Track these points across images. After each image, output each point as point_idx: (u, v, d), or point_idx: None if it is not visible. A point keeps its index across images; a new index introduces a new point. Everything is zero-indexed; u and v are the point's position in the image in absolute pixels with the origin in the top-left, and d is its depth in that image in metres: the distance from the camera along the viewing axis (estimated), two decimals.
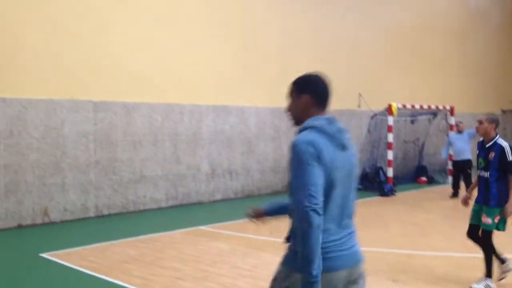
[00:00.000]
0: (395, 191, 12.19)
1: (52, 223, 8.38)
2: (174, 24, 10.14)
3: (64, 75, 8.61)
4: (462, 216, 9.73)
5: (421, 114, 14.88)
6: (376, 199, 11.61)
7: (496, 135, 5.37)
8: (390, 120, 12.64)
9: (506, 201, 5.15)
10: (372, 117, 13.51)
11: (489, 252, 5.34)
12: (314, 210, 2.12)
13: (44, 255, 6.50)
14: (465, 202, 5.66)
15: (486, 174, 5.29)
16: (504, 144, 5.28)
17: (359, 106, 14.41)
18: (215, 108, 10.94)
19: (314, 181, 2.15)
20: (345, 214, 2.35)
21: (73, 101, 8.71)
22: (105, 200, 9.13)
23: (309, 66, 13.83)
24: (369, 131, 13.57)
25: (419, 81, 16.61)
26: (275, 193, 12.25)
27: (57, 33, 8.48)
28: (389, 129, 12.62)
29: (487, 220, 5.24)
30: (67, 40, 8.62)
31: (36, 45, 8.25)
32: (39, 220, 8.32)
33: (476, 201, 5.41)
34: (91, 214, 8.93)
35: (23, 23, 8.11)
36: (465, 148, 11.28)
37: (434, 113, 15.01)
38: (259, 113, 11.87)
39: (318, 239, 2.14)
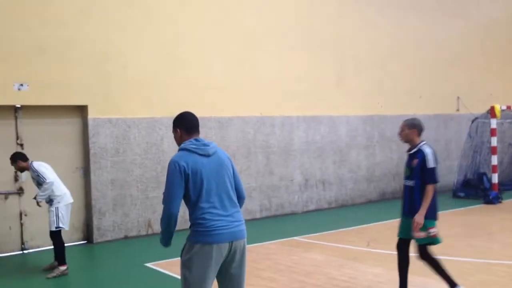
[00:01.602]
0: (501, 199, 11.37)
1: (155, 234, 8.87)
2: (265, 41, 10.36)
3: (165, 95, 9.11)
4: None
5: None
6: (480, 207, 10.91)
7: (421, 142, 4.95)
8: (493, 123, 11.85)
9: (433, 212, 4.79)
10: (473, 121, 12.77)
11: (436, 265, 4.90)
12: (170, 213, 3.29)
13: (148, 264, 6.91)
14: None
15: (411, 183, 4.89)
16: (427, 151, 4.86)
17: (457, 109, 13.71)
18: (305, 119, 10.98)
19: (174, 192, 3.28)
20: (224, 199, 3.38)
21: (172, 118, 9.17)
22: None
23: (403, 71, 13.58)
24: (470, 135, 12.82)
25: None
26: (369, 202, 11.97)
27: (159, 57, 9.03)
28: (493, 132, 11.84)
29: (419, 234, 4.79)
30: (168, 64, 9.14)
31: (137, 69, 8.84)
32: (143, 232, 8.85)
33: (403, 213, 4.98)
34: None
35: (126, 50, 8.73)
36: None
37: None
38: (349, 122, 11.72)
39: (166, 229, 3.36)
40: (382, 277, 5.94)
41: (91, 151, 8.40)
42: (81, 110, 8.54)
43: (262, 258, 7.06)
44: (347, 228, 8.98)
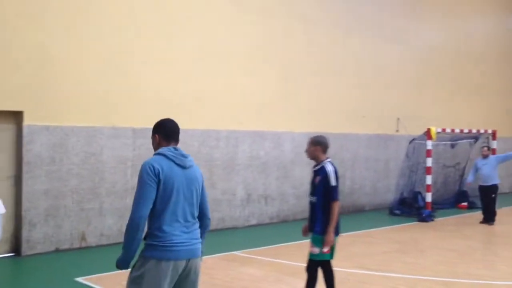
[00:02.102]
0: (434, 217, 11.85)
1: (89, 248, 8.58)
2: (211, 56, 10.37)
3: (106, 104, 8.92)
4: (504, 242, 9.39)
5: (462, 138, 14.52)
6: (414, 225, 11.31)
7: (325, 159, 5.08)
8: (429, 144, 12.38)
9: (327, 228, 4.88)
10: (410, 142, 13.28)
11: (311, 284, 5.03)
12: (140, 215, 3.08)
13: (79, 279, 6.65)
14: (304, 232, 5.28)
15: (313, 199, 5.04)
16: (329, 168, 5.00)
17: (397, 130, 14.23)
18: (250, 134, 11.04)
19: (146, 194, 3.11)
20: (188, 214, 3.25)
21: (114, 128, 8.99)
22: None
23: (347, 91, 14.01)
24: (407, 155, 13.32)
25: (459, 105, 16.27)
26: None
27: (101, 66, 8.82)
28: (428, 153, 12.35)
29: (314, 249, 4.96)
30: (111, 73, 8.96)
31: (80, 76, 8.60)
32: (76, 245, 8.53)
33: (308, 229, 5.17)
34: None
35: (69, 56, 8.49)
36: (491, 173, 11.23)
37: (476, 137, 14.60)
38: (295, 138, 11.89)
39: (134, 237, 3.11)
40: None
41: (24, 159, 8.04)
42: (16, 116, 8.18)
43: None
44: (287, 243, 9.04)
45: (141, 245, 3.22)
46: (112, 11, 9.01)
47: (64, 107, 8.48)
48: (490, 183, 11.22)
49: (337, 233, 5.03)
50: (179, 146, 3.43)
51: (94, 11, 8.80)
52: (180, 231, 3.18)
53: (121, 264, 3.21)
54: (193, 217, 3.31)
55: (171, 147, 3.31)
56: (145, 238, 3.21)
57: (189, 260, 3.20)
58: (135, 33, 9.31)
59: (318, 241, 4.93)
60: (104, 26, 8.90)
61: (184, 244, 3.17)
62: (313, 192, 5.05)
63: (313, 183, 5.08)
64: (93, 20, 8.79)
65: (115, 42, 9.03)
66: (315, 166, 5.12)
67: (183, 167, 3.26)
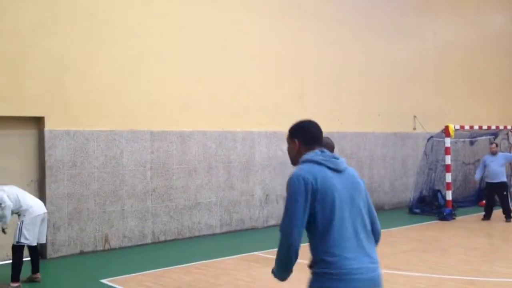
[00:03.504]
0: (455, 215, 11.73)
1: (112, 250, 8.68)
2: (226, 58, 10.43)
3: (125, 108, 9.03)
4: None
5: (481, 135, 14.35)
6: (435, 224, 11.22)
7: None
8: (448, 141, 12.28)
9: None
10: (428, 139, 13.18)
11: None
12: (290, 244, 2.54)
13: (104, 281, 6.74)
14: None
15: None
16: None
17: (414, 128, 14.13)
18: (267, 134, 11.07)
19: (297, 216, 2.52)
20: (359, 229, 2.59)
21: (132, 131, 9.10)
22: (161, 226, 9.37)
23: (362, 90, 13.97)
24: (425, 153, 13.22)
25: (477, 102, 16.07)
26: None
27: (118, 71, 8.95)
28: (447, 151, 12.25)
29: None
30: (129, 77, 9.08)
31: (98, 82, 8.73)
32: (100, 247, 8.64)
33: None
34: (148, 240, 9.19)
35: (87, 62, 8.62)
36: (499, 170, 11.21)
37: (495, 134, 14.42)
38: None
39: (289, 263, 2.59)
40: None
41: (47, 164, 8.18)
42: (38, 122, 8.33)
43: (221, 273, 7.02)
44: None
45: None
46: (126, 17, 9.12)
47: (84, 112, 8.61)
48: (497, 180, 11.17)
49: None
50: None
51: (110, 18, 8.92)
52: (354, 253, 2.52)
53: (276, 275, 2.77)
54: (366, 232, 2.62)
55: (317, 151, 2.71)
56: (310, 266, 2.63)
57: None
58: (150, 38, 9.40)
59: None
60: (120, 32, 9.01)
61: (362, 270, 2.51)
62: None
63: None
64: (110, 26, 8.90)
65: (131, 47, 9.13)
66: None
67: (338, 170, 2.64)
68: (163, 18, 9.59)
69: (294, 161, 2.81)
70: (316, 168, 2.60)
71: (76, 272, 7.46)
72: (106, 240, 8.71)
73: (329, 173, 2.60)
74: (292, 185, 2.56)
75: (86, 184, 8.53)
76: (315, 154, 2.68)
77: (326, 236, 2.53)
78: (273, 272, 2.74)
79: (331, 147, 4.83)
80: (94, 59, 8.71)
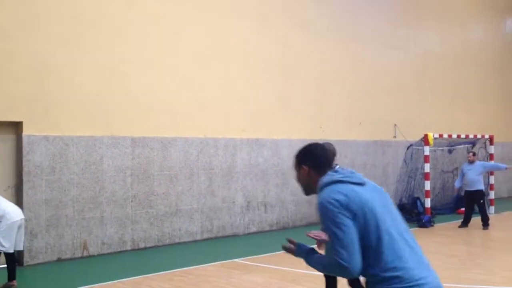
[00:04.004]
0: (433, 222, 11.88)
1: (91, 257, 8.57)
2: (210, 62, 10.43)
3: (106, 114, 8.96)
4: (503, 247, 9.43)
5: (459, 143, 14.59)
6: (414, 230, 11.31)
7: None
8: (427, 150, 12.45)
9: None
10: (408, 148, 13.35)
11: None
12: (353, 272, 2.32)
13: None
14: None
15: None
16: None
17: (394, 136, 14.29)
18: (249, 141, 11.08)
19: (350, 239, 2.32)
20: (409, 240, 2.44)
21: (113, 137, 9.02)
22: (141, 233, 9.29)
23: (345, 98, 14.09)
24: (405, 161, 13.38)
25: (457, 111, 16.36)
26: (310, 224, 12.14)
27: (99, 75, 8.88)
28: (426, 159, 12.42)
29: None
30: (111, 82, 9.01)
31: (79, 86, 8.64)
32: (78, 254, 8.52)
33: None
34: (128, 247, 9.09)
35: (67, 66, 8.54)
36: (476, 179, 11.38)
37: (473, 142, 14.68)
38: (292, 145, 11.92)
39: (329, 272, 2.51)
40: None
41: (25, 169, 8.06)
42: (16, 127, 8.21)
43: (201, 280, 6.98)
44: None
45: None
46: (110, 21, 9.06)
47: (63, 117, 8.51)
48: (474, 188, 11.34)
49: None
50: None
51: (93, 21, 8.86)
52: (414, 262, 2.37)
53: (297, 253, 2.68)
54: (411, 237, 2.49)
55: (329, 172, 2.57)
56: (371, 284, 2.44)
57: None
58: (134, 42, 9.36)
59: None
60: (103, 36, 8.95)
61: (428, 278, 2.36)
62: None
63: None
64: (92, 30, 8.84)
65: (114, 52, 9.07)
66: None
67: (361, 184, 2.51)
68: (147, 23, 9.56)
69: (307, 189, 2.69)
70: (342, 186, 2.45)
71: (53, 280, 7.34)
72: (85, 247, 8.60)
73: (356, 188, 2.45)
74: (327, 211, 2.37)
75: (64, 190, 8.42)
76: (331, 175, 2.54)
77: (380, 252, 2.35)
78: (306, 260, 2.62)
79: (332, 154, 4.75)
80: (76, 63, 8.63)
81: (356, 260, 2.31)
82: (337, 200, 2.37)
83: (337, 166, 2.68)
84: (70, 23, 8.59)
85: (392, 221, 2.44)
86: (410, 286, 2.30)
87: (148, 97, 9.50)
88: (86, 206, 8.63)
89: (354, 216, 2.35)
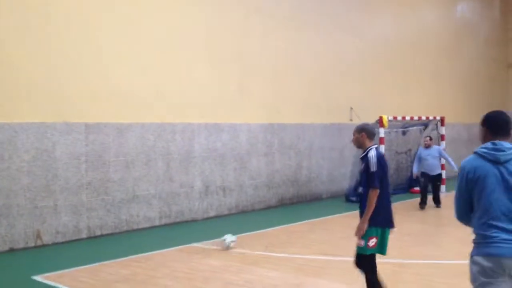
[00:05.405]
0: None
1: (45, 246, 8.33)
2: (166, 47, 10.23)
3: (58, 99, 8.65)
4: (454, 225, 9.81)
5: (413, 125, 14.99)
6: None
7: (371, 145, 4.71)
8: (381, 132, 12.72)
9: (377, 220, 4.53)
10: None
11: (369, 278, 4.64)
12: (457, 218, 3.34)
13: (36, 277, 6.46)
14: None
15: (361, 190, 4.75)
16: (370, 154, 4.59)
17: (351, 119, 14.52)
18: (207, 126, 11.00)
19: (458, 199, 3.26)
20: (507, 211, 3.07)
21: (65, 123, 8.74)
22: (97, 221, 9.10)
23: (302, 83, 14.17)
24: None
25: (410, 94, 16.79)
26: (269, 207, 12.24)
27: (51, 58, 8.54)
28: (381, 141, 12.69)
29: (359, 242, 4.62)
30: (63, 68, 8.69)
31: (30, 71, 8.30)
32: (31, 243, 8.26)
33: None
34: (84, 235, 8.89)
35: (17, 49, 8.17)
36: (435, 163, 11.76)
37: (425, 124, 15.12)
38: (251, 129, 11.93)
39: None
40: (278, 280, 6.09)
41: None
42: None
43: (160, 265, 6.92)
44: (246, 233, 9.09)
45: None
46: (62, 7, 8.71)
47: (13, 103, 8.17)
48: (435, 173, 11.73)
49: (388, 225, 4.65)
50: None
51: (44, 7, 8.48)
52: (502, 230, 3.04)
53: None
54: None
55: (489, 143, 3.18)
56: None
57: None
58: (88, 26, 9.05)
59: (365, 234, 4.58)
60: (56, 20, 8.61)
61: (508, 241, 3.01)
62: (360, 182, 4.74)
63: (360, 173, 4.75)
64: (45, 14, 8.48)
65: (67, 36, 8.75)
66: (361, 154, 4.72)
67: (496, 162, 3.11)
68: (103, 9, 9.23)
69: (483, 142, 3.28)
70: (477, 160, 3.15)
71: (6, 270, 7.08)
72: (38, 236, 8.34)
73: (486, 164, 3.11)
74: (459, 173, 3.24)
75: (15, 179, 8.11)
76: (483, 146, 3.18)
77: (479, 215, 3.11)
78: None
79: (370, 133, 4.80)
80: (26, 49, 8.26)
81: (456, 207, 3.33)
82: (464, 170, 3.24)
83: (501, 142, 3.17)
84: (20, 9, 8.20)
85: (504, 195, 3.09)
86: (486, 242, 3.08)
87: (103, 83, 9.23)
88: (38, 195, 8.35)
89: (471, 186, 3.20)
